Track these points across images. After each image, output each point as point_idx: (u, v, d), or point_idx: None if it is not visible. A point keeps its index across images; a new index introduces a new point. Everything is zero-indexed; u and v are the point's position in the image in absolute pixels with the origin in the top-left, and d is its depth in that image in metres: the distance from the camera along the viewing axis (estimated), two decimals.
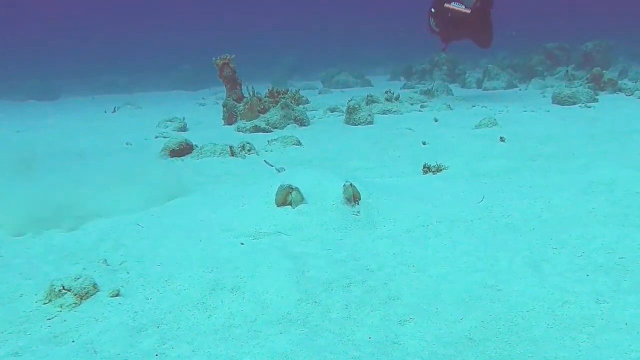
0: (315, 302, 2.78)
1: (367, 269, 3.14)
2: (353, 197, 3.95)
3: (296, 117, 9.14)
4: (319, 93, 16.37)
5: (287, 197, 3.98)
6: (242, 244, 3.50)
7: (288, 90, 10.11)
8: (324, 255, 3.33)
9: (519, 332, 2.44)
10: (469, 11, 10.44)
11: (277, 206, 3.97)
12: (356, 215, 3.87)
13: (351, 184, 3.95)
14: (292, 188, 3.97)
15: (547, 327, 2.45)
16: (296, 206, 3.92)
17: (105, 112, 14.02)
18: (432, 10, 10.99)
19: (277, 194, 4.01)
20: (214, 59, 10.01)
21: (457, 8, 10.51)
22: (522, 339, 2.38)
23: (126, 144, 8.27)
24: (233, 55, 10.01)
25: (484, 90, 13.78)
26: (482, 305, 2.66)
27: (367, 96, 10.23)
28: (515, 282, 2.88)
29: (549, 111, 8.93)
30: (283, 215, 3.88)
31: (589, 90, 9.68)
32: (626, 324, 2.42)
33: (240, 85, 10.08)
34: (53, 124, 11.84)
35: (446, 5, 10.55)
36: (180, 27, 41.58)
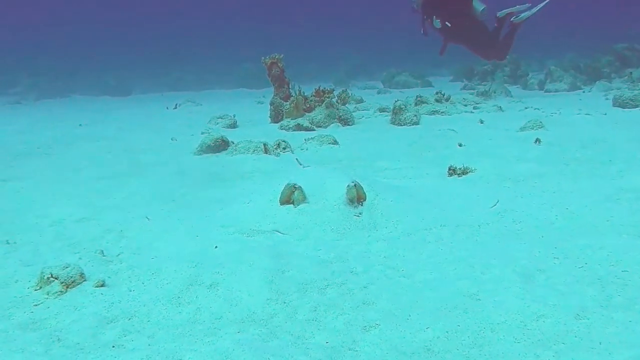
0: (285, 302, 2.72)
1: (351, 272, 3.05)
2: (357, 198, 3.86)
3: (340, 116, 9.07)
4: (378, 93, 16.18)
5: (290, 196, 3.94)
6: (215, 247, 3.44)
7: (333, 90, 10.03)
8: (311, 255, 3.27)
9: (482, 345, 2.29)
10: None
11: (281, 204, 3.94)
12: (358, 216, 3.78)
13: (355, 185, 3.86)
14: (295, 187, 3.93)
15: (513, 342, 2.29)
16: (298, 205, 3.87)
17: (167, 108, 14.36)
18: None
19: (282, 193, 3.98)
20: (262, 58, 10.07)
21: None
22: (482, 353, 2.24)
23: (171, 139, 8.44)
24: (282, 55, 10.03)
25: (545, 92, 13.23)
26: (453, 315, 2.53)
27: (417, 97, 10.03)
28: (499, 292, 2.72)
29: (605, 114, 8.46)
30: (284, 214, 3.84)
31: None
32: (600, 343, 2.23)
33: (288, 84, 10.10)
34: (115, 119, 12.24)
35: None
36: (252, 26, 42.17)
